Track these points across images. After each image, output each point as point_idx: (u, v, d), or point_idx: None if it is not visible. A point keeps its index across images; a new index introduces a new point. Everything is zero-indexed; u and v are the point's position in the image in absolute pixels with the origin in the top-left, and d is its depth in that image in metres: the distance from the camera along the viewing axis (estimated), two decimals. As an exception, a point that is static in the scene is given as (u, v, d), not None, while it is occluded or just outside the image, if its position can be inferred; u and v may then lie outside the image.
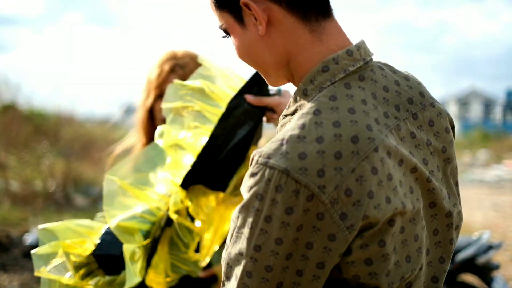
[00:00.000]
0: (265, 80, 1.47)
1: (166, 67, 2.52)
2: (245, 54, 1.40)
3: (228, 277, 1.27)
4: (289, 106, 1.37)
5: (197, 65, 2.54)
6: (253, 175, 1.20)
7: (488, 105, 67.36)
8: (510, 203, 14.30)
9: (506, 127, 48.35)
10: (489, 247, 5.19)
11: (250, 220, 1.20)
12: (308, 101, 1.29)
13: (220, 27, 1.41)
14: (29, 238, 8.56)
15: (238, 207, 1.23)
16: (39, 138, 11.42)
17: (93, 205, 12.60)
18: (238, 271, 1.23)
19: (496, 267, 5.23)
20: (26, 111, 12.11)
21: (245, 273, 1.22)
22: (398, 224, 1.24)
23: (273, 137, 1.27)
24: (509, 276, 7.34)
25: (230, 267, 1.26)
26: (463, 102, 73.39)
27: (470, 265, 5.12)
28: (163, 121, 2.52)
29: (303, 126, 1.21)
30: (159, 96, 2.52)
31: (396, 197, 1.22)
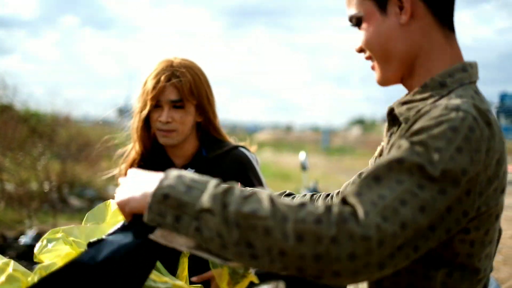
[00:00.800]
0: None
1: (163, 78, 2.50)
2: (378, 41, 1.53)
3: (378, 178, 1.26)
4: (414, 94, 1.52)
5: (193, 74, 2.56)
6: (442, 115, 1.31)
7: (481, 108, 67.46)
8: (505, 207, 14.34)
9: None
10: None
11: (438, 146, 1.26)
12: (449, 91, 1.46)
13: (353, 16, 1.55)
14: (24, 240, 8.56)
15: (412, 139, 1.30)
16: (35, 140, 11.40)
17: (89, 206, 12.59)
18: (405, 178, 1.24)
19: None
20: (22, 113, 12.09)
21: (416, 185, 1.23)
22: (498, 223, 1.40)
23: None
24: (502, 278, 7.39)
25: (389, 169, 1.26)
26: (457, 105, 73.37)
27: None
28: (159, 130, 2.55)
29: (466, 101, 1.36)
30: (156, 106, 2.54)
31: (502, 193, 1.40)
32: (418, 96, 1.50)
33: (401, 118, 1.52)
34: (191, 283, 2.27)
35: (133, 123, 2.63)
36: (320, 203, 1.25)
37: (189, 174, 1.34)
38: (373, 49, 1.55)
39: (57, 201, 11.99)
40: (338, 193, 1.97)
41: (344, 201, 1.26)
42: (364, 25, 1.54)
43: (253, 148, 2.77)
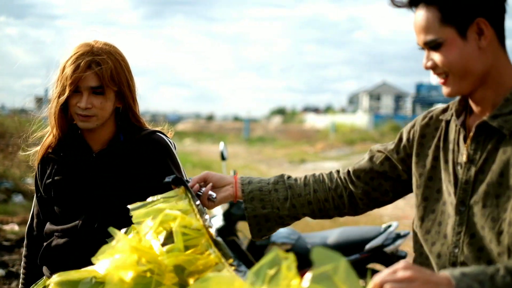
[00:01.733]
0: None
1: (82, 64, 2.42)
2: (461, 62, 1.85)
3: None
4: (500, 107, 1.87)
5: (114, 60, 2.49)
6: None
7: (398, 98, 68.91)
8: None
9: (416, 120, 49.46)
10: (397, 237, 5.40)
11: None
12: None
13: (432, 41, 1.87)
14: None
15: None
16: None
17: (6, 199, 12.31)
18: None
19: (404, 255, 5.46)
20: None
21: None
22: None
23: None
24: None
25: None
26: (375, 96, 74.83)
27: (378, 254, 5.32)
28: (77, 115, 2.50)
29: None
30: (75, 91, 2.46)
31: None
32: (506, 110, 1.86)
33: (504, 130, 1.84)
34: None
35: (51, 108, 2.55)
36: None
37: (467, 270, 1.58)
38: (455, 69, 1.86)
39: (-27, 194, 11.70)
40: (342, 172, 2.37)
41: None
42: (444, 49, 1.85)
43: (170, 134, 2.76)
